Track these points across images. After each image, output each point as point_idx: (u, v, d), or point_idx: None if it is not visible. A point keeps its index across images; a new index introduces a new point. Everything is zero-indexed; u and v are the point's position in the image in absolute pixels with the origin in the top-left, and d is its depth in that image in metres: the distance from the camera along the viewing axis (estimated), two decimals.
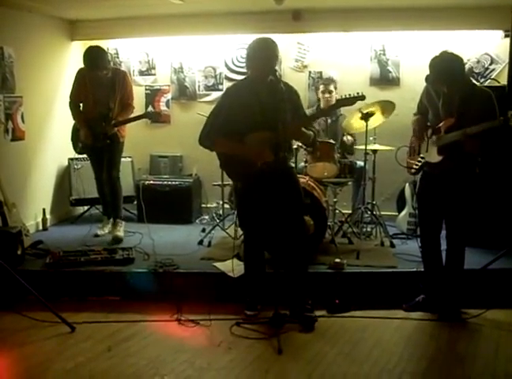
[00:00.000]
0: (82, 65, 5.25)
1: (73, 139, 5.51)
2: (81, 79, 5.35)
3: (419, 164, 4.14)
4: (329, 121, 5.68)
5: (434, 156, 4.01)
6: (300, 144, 4.92)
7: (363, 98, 3.93)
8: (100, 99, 5.28)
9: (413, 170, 4.25)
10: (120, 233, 5.45)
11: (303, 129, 3.99)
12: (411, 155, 4.30)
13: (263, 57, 3.87)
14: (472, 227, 4.33)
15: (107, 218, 5.79)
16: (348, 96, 3.92)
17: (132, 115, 5.42)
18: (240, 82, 4.21)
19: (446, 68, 3.82)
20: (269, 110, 3.87)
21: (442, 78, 3.86)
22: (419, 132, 4.16)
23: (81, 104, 5.41)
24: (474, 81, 4.85)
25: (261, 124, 3.89)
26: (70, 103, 5.41)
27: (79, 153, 5.63)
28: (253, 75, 4.02)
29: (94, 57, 5.12)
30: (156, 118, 6.11)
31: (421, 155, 4.15)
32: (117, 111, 5.30)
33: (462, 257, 4.14)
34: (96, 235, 5.61)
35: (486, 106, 3.80)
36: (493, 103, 3.82)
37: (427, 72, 4.11)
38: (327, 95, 5.69)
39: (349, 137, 5.59)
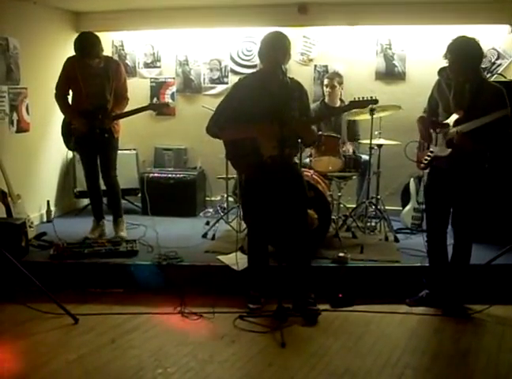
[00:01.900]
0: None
1: (63, 134, 5.14)
2: (71, 68, 4.95)
3: (429, 159, 4.12)
4: None
5: (443, 150, 3.98)
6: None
7: (375, 102, 3.92)
8: (94, 90, 4.91)
9: (422, 165, 4.22)
10: (124, 233, 5.29)
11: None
12: (421, 150, 4.27)
13: (273, 50, 3.88)
14: (478, 223, 4.31)
15: (96, 222, 5.35)
16: (360, 99, 3.91)
17: (135, 107, 5.06)
18: (252, 74, 4.24)
19: (466, 51, 3.76)
20: (278, 104, 3.85)
21: (458, 59, 3.79)
22: (424, 131, 4.13)
23: (71, 97, 5.07)
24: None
25: (269, 117, 3.87)
26: (56, 94, 5.05)
27: (72, 150, 5.34)
28: (264, 68, 4.04)
29: (86, 43, 4.79)
30: (160, 109, 5.62)
31: (431, 150, 4.12)
32: (112, 103, 4.99)
33: (469, 252, 4.12)
34: (87, 238, 5.13)
35: (497, 102, 3.75)
36: (505, 99, 3.77)
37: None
38: (330, 90, 5.73)
39: (349, 147, 5.48)
